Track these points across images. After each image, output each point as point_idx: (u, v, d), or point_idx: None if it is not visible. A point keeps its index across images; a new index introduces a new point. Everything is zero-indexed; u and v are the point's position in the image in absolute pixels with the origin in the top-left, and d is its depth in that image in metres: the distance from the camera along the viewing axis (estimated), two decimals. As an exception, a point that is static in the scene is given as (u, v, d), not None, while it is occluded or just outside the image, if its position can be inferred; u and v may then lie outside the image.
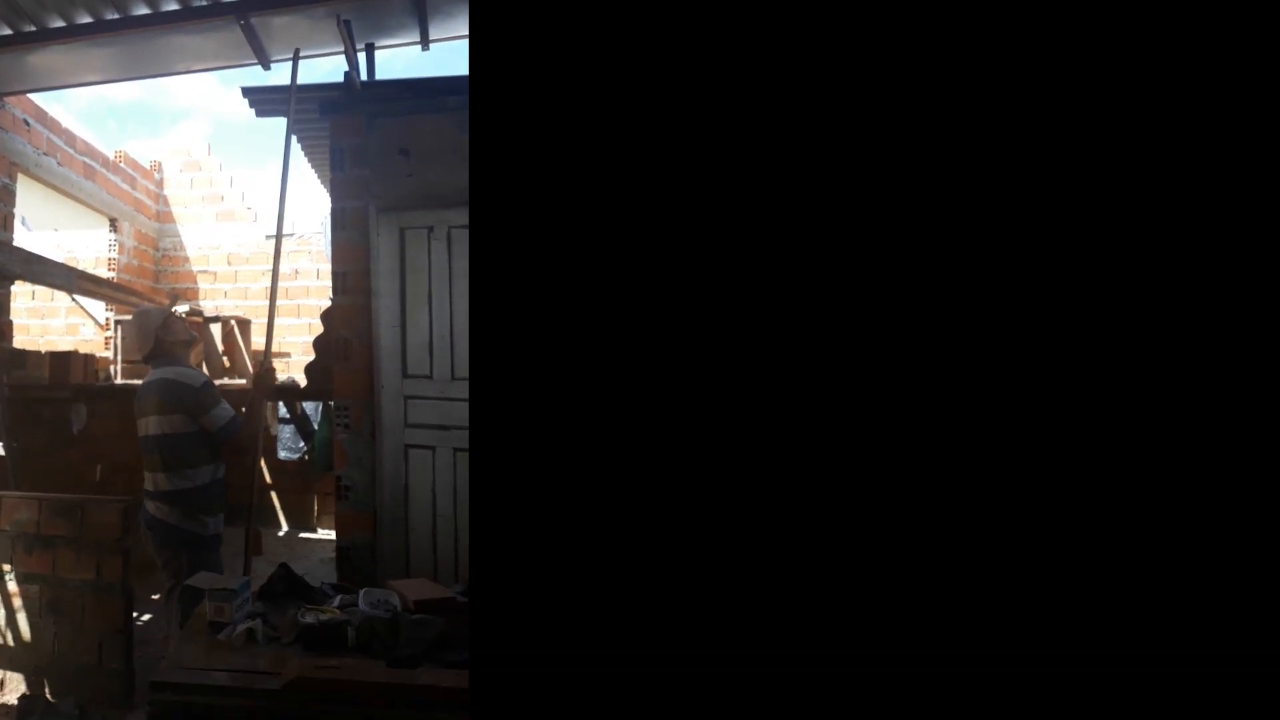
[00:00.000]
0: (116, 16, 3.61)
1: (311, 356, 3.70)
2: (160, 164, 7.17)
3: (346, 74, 3.45)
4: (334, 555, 3.60)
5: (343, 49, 3.51)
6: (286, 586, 2.33)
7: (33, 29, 3.62)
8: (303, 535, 6.38)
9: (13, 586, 3.29)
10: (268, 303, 3.59)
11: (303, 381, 3.70)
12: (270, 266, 3.62)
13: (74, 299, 6.34)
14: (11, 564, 3.28)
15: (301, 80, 3.60)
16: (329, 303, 3.52)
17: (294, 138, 3.81)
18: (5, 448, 3.82)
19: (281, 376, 5.06)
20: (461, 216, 3.26)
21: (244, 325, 6.32)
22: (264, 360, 3.38)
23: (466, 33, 3.79)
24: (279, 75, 3.89)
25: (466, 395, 3.23)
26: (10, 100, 4.70)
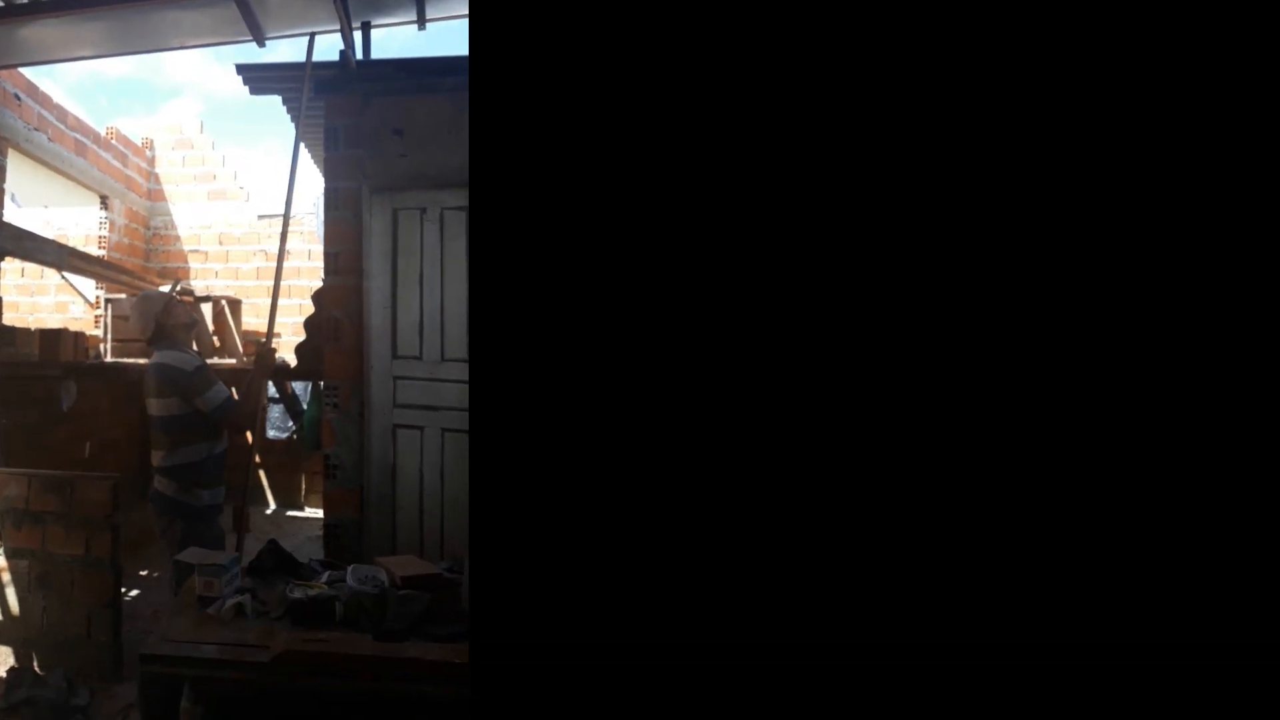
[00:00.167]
0: (110, -10, 3.59)
1: (302, 336, 3.70)
2: (152, 141, 7.10)
3: (342, 52, 3.44)
4: (321, 533, 3.62)
5: (338, 26, 3.49)
6: (275, 562, 2.35)
7: (24, 1, 3.59)
8: (290, 513, 6.40)
9: (1, 561, 3.30)
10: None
11: (293, 361, 3.70)
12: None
13: (64, 277, 6.31)
14: (1, 539, 3.29)
15: (296, 59, 3.59)
16: (320, 283, 3.52)
17: (290, 116, 3.80)
18: (-6, 423, 3.82)
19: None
20: (454, 198, 3.27)
21: (234, 305, 6.29)
22: (266, 340, 3.41)
23: (463, 12, 3.79)
24: (273, 52, 3.87)
25: (455, 376, 3.25)
26: (1, 74, 4.66)
